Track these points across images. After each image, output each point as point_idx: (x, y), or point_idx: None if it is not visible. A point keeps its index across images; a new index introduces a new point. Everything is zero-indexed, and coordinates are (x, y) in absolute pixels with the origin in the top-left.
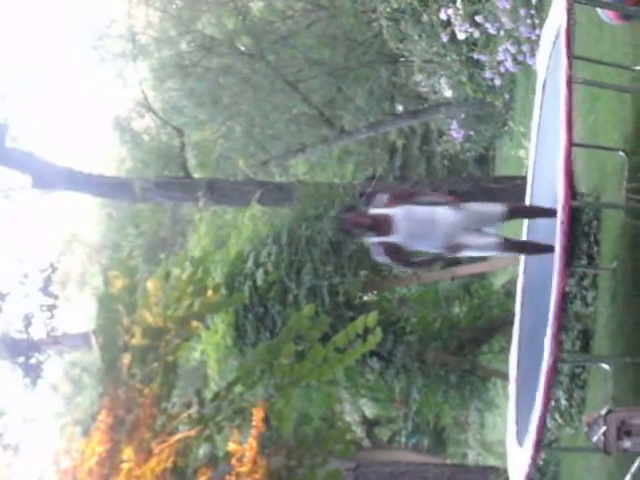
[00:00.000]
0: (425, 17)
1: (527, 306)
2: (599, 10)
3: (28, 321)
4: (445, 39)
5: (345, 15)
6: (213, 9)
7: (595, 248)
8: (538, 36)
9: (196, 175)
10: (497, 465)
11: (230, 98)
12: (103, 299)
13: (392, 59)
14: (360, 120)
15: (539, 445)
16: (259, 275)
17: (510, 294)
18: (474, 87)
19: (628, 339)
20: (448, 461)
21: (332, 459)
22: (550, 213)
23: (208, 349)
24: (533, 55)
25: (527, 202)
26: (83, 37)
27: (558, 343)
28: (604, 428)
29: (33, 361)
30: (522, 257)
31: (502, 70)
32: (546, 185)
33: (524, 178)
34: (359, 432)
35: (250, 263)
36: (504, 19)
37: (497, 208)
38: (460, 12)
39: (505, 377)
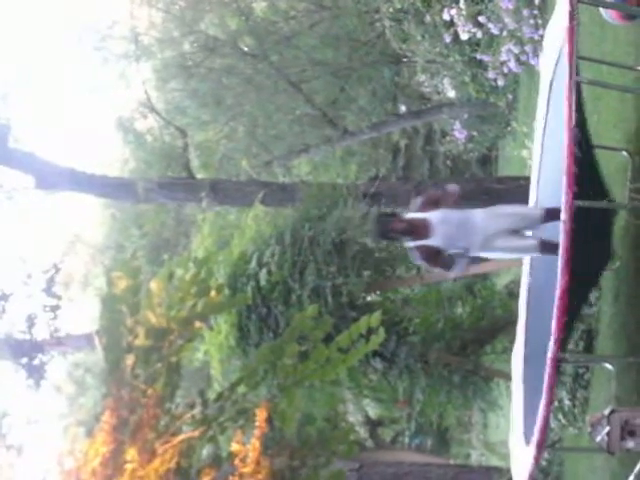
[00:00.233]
0: (428, 17)
1: (532, 306)
2: (602, 10)
3: (31, 322)
4: (448, 39)
5: (348, 15)
6: (216, 9)
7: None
8: (541, 36)
9: (199, 175)
10: (500, 465)
11: (233, 98)
12: (106, 300)
13: (395, 59)
14: (363, 120)
15: (542, 445)
16: (262, 275)
17: (513, 294)
18: (477, 87)
19: (631, 339)
20: (451, 461)
21: (335, 459)
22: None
23: (211, 350)
24: (536, 55)
25: (531, 203)
26: (86, 38)
27: (561, 343)
28: (607, 428)
29: (36, 362)
30: (526, 257)
31: (505, 70)
32: (553, 186)
33: (527, 178)
34: (362, 432)
35: (253, 263)
36: (507, 19)
37: (535, 211)
38: (463, 12)
39: (508, 377)
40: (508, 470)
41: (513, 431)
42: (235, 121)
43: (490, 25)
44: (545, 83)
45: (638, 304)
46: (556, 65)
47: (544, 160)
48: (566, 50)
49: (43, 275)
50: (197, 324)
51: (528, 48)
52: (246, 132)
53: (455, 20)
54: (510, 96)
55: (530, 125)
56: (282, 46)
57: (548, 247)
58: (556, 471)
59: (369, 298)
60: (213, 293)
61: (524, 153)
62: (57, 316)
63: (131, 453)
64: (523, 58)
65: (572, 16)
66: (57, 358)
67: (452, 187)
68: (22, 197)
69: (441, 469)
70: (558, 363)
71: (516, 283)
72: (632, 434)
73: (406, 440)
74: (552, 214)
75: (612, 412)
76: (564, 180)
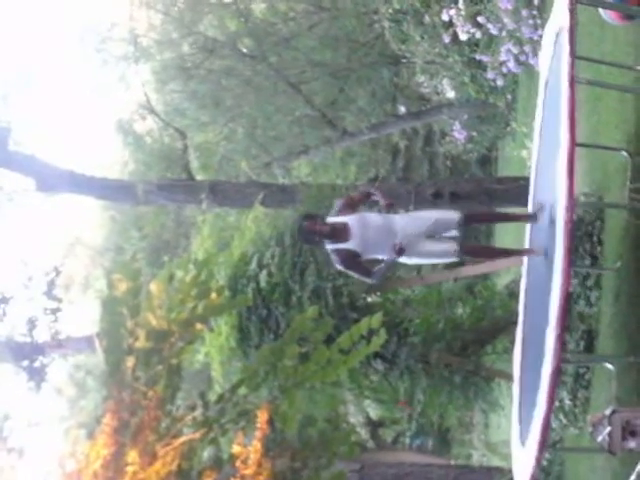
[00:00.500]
0: (427, 18)
1: (530, 307)
2: (601, 10)
3: (32, 324)
4: (447, 40)
5: (347, 16)
6: (215, 11)
7: (598, 248)
8: (540, 36)
9: (199, 177)
10: (502, 466)
11: (232, 100)
12: (107, 302)
13: (394, 60)
14: (362, 121)
15: (543, 445)
16: (262, 277)
17: (513, 294)
18: (476, 88)
19: (632, 339)
20: (452, 462)
21: (336, 460)
22: (511, 218)
23: (212, 351)
24: (535, 55)
25: (530, 203)
26: (85, 40)
27: (562, 343)
28: (609, 428)
29: (37, 364)
30: (525, 258)
31: (504, 71)
32: (548, 186)
33: (527, 179)
34: (363, 433)
35: (253, 265)
36: (506, 20)
37: (453, 215)
38: (462, 13)
39: (509, 378)
40: (510, 470)
41: (514, 432)
42: (234, 122)
43: (489, 25)
44: (543, 83)
45: (639, 304)
46: (553, 65)
47: (539, 160)
48: (563, 50)
49: (44, 278)
50: (198, 326)
51: (527, 48)
52: (245, 133)
53: (454, 20)
54: (509, 96)
55: (530, 125)
56: (281, 47)
57: (465, 251)
58: (557, 471)
59: (369, 299)
60: (213, 295)
61: (524, 153)
62: (58, 319)
63: (132, 455)
64: (522, 58)
65: (572, 15)
66: (58, 360)
67: (367, 190)
68: (22, 199)
69: (442, 470)
70: (560, 363)
71: (516, 283)
72: (633, 434)
73: (407, 441)
74: (470, 218)
75: (613, 412)
76: (564, 180)
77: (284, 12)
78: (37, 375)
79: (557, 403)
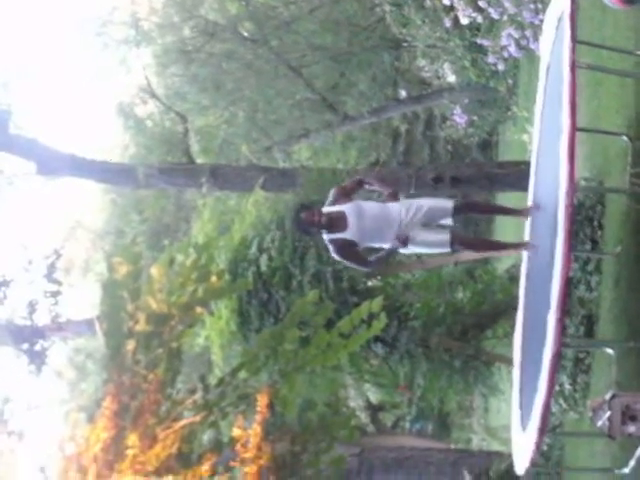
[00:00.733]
0: (428, 2)
1: (531, 291)
2: None
3: (32, 308)
4: (448, 24)
5: (348, 0)
6: None
7: (599, 233)
8: (541, 21)
9: (199, 161)
10: (501, 450)
11: (233, 83)
12: (107, 285)
13: (395, 44)
14: (363, 105)
15: (543, 430)
16: (263, 261)
17: (514, 279)
18: (477, 72)
19: (632, 323)
20: (452, 446)
21: (336, 444)
22: (508, 211)
23: (212, 335)
24: (536, 40)
25: (530, 189)
26: (86, 24)
27: (562, 328)
28: (609, 413)
29: (37, 348)
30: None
31: (505, 55)
32: (549, 170)
33: (528, 163)
34: (363, 417)
35: (254, 249)
36: (507, 4)
37: (447, 203)
38: None
39: (509, 362)
40: (509, 455)
41: (514, 416)
42: (235, 106)
43: (490, 10)
44: (544, 68)
45: (639, 288)
46: (554, 49)
47: (540, 145)
48: (564, 34)
49: (44, 261)
50: (198, 309)
51: (528, 33)
52: (246, 117)
53: (455, 5)
54: (510, 81)
55: (531, 109)
56: (282, 31)
57: (459, 242)
58: (557, 455)
59: (370, 283)
60: (214, 278)
61: (525, 137)
62: (58, 302)
63: (132, 438)
64: (523, 43)
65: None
66: (58, 344)
67: (360, 179)
68: (23, 183)
69: (442, 454)
70: (560, 348)
71: (517, 267)
72: (633, 419)
73: (407, 425)
74: (464, 207)
75: (613, 397)
76: (564, 164)
77: None
78: (37, 358)
79: (557, 388)
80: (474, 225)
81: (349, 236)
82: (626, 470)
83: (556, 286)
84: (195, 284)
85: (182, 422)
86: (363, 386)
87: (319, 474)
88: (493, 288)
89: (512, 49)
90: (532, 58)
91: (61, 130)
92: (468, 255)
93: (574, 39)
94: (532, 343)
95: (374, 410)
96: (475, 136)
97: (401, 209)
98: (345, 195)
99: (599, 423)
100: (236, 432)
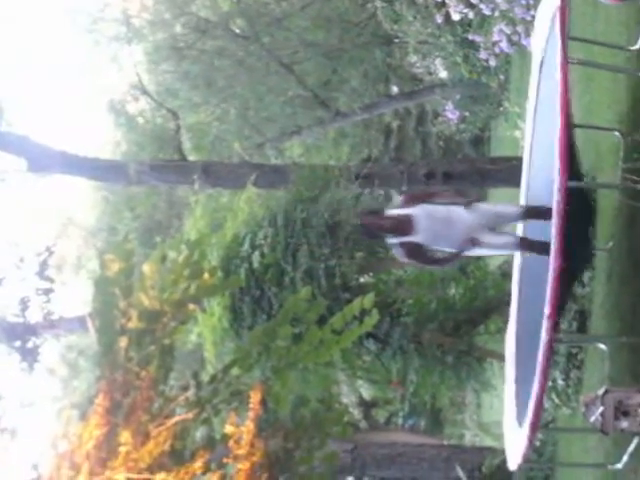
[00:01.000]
0: None
1: (524, 287)
2: None
3: (24, 305)
4: (440, 20)
5: None
6: None
7: (591, 228)
8: (533, 17)
9: (191, 158)
10: (494, 446)
11: (225, 80)
12: (99, 282)
13: (387, 40)
14: (355, 102)
15: (536, 426)
16: (255, 258)
17: (506, 275)
18: (469, 68)
19: (624, 319)
20: (445, 442)
21: (329, 441)
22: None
23: (205, 332)
24: (528, 36)
25: (523, 185)
26: (77, 21)
27: (555, 323)
28: (601, 408)
29: (30, 345)
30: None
31: (497, 51)
32: (543, 167)
33: (520, 159)
34: (356, 414)
35: (246, 246)
36: (499, 0)
37: (513, 208)
38: None
39: (501, 358)
40: (502, 450)
41: (507, 412)
42: (227, 103)
43: (482, 5)
44: (536, 64)
45: (631, 284)
46: (546, 45)
47: (535, 143)
48: (557, 30)
49: (36, 258)
50: (190, 306)
51: (520, 29)
52: (238, 114)
53: (446, 1)
54: (502, 76)
55: (522, 105)
56: (273, 28)
57: (526, 245)
58: (550, 451)
59: (362, 280)
60: (206, 275)
61: (517, 133)
62: (50, 299)
63: (125, 436)
64: (515, 38)
65: None
66: (50, 341)
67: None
68: (14, 180)
69: (435, 449)
70: (552, 343)
71: (509, 264)
72: (626, 414)
73: (400, 421)
74: (531, 212)
75: (606, 392)
76: (556, 162)
77: None
78: (29, 356)
79: (550, 383)
80: None
81: (418, 239)
82: (619, 466)
83: (549, 282)
84: (187, 281)
85: (175, 419)
86: (356, 382)
87: (312, 470)
88: (485, 284)
89: (504, 45)
90: (524, 54)
91: (52, 127)
92: None
93: (565, 35)
94: (523, 339)
95: (367, 406)
96: (467, 132)
97: (469, 213)
98: (414, 201)
99: (592, 419)
100: (229, 429)
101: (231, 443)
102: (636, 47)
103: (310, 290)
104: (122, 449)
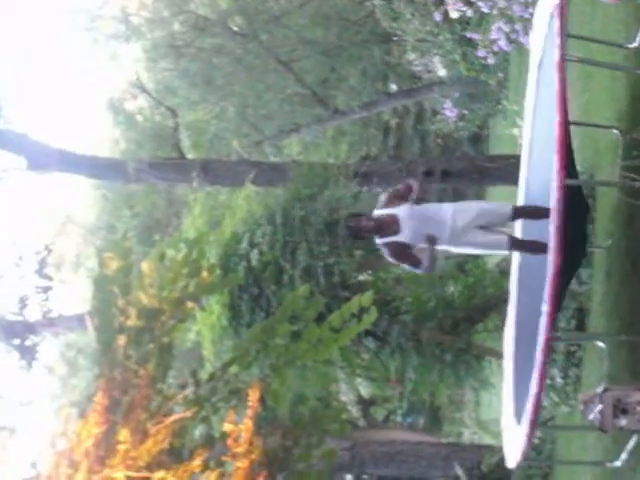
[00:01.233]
0: None
1: (522, 285)
2: None
3: (23, 303)
4: (438, 18)
5: None
6: None
7: (590, 226)
8: (531, 14)
9: (190, 155)
10: (493, 444)
11: (223, 78)
12: (98, 281)
13: (385, 38)
14: (354, 100)
15: (535, 423)
16: (254, 256)
17: (504, 273)
18: (467, 66)
19: (623, 317)
20: (443, 440)
21: (328, 439)
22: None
23: (203, 330)
24: (526, 34)
25: (521, 183)
26: (76, 19)
27: (553, 321)
28: (600, 406)
29: (28, 343)
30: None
31: (495, 49)
32: (541, 167)
33: (518, 157)
34: (355, 412)
35: (245, 244)
36: None
37: (505, 207)
38: None
39: (500, 355)
40: (500, 448)
41: (505, 410)
42: (225, 101)
43: (480, 3)
44: (535, 62)
45: (630, 282)
46: (545, 43)
47: (534, 140)
48: (556, 28)
49: (35, 256)
50: (189, 304)
51: (518, 26)
52: (236, 112)
53: None
54: (501, 74)
55: (521, 103)
56: (272, 25)
57: (517, 244)
58: (548, 449)
59: (361, 277)
60: (205, 273)
61: (515, 131)
62: (49, 297)
63: (124, 434)
64: (513, 36)
65: None
66: (49, 339)
67: (411, 182)
68: (13, 178)
69: (433, 447)
70: (551, 342)
71: (508, 261)
72: (625, 412)
73: (398, 419)
74: (522, 211)
75: (605, 390)
76: (555, 160)
77: None
78: (28, 354)
79: (548, 381)
80: None
81: (402, 239)
82: (618, 463)
83: (548, 280)
84: (186, 279)
85: (173, 417)
86: (354, 380)
87: (310, 468)
88: (484, 282)
89: (502, 43)
90: (522, 52)
91: (51, 125)
92: None
93: (564, 33)
94: (522, 337)
95: (365, 404)
96: (465, 130)
97: (456, 211)
98: (398, 198)
99: (591, 416)
100: (227, 427)
101: (230, 441)
102: (634, 45)
103: (309, 288)
104: (121, 447)
